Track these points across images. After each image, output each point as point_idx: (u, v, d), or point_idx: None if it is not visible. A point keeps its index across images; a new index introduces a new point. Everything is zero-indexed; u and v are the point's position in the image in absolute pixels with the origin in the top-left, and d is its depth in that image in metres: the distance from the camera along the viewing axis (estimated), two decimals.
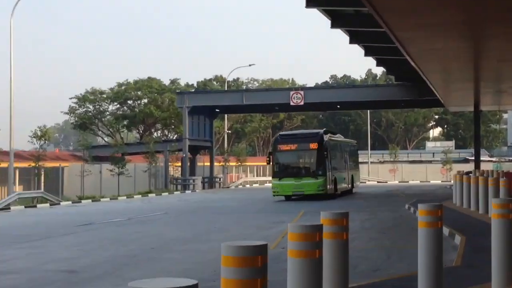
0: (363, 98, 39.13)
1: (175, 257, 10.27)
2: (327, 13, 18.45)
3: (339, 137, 32.79)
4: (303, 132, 31.85)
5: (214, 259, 9.26)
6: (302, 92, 37.20)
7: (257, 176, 53.81)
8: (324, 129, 30.63)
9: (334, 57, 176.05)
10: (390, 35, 14.72)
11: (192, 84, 67.65)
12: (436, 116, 77.76)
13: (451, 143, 65.52)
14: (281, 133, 31.26)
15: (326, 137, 27.41)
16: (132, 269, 9.20)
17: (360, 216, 17.50)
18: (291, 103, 36.63)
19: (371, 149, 60.43)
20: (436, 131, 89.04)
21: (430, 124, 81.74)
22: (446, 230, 12.34)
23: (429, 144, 74.39)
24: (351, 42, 21.52)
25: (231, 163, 47.79)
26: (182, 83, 64.30)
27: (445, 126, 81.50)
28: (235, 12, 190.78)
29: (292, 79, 77.17)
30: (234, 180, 48.06)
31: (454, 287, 6.68)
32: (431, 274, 5.42)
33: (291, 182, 26.02)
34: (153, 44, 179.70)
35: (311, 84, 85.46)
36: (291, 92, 37.38)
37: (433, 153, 61.53)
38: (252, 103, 40.11)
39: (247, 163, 50.21)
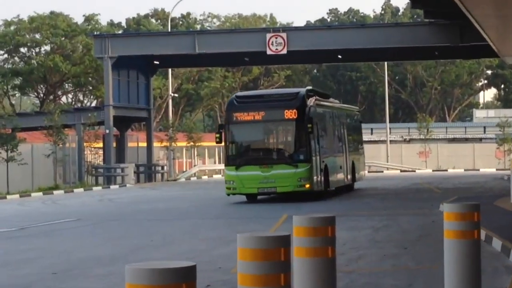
0: (378, 44, 32.90)
1: (90, 287, 9.40)
2: None
3: (332, 102, 26.22)
4: (274, 92, 25.43)
5: None
6: (284, 35, 31.77)
7: (218, 162, 44.86)
8: (308, 87, 24.40)
9: None
10: None
11: (119, 23, 58.11)
12: (489, 72, 63.75)
13: (510, 112, 52.18)
14: (238, 93, 24.61)
15: (310, 101, 20.78)
16: None
17: (372, 223, 15.73)
18: (269, 52, 31.51)
19: (390, 122, 49.32)
20: (488, 94, 73.53)
21: (480, 84, 66.75)
22: (497, 243, 11.11)
23: (478, 114, 60.53)
24: None
25: (179, 143, 40.52)
26: (103, 21, 55.68)
27: (502, 86, 67.22)
28: None
29: (271, 15, 64.63)
30: (184, 169, 41.87)
31: None
32: None
33: (256, 173, 19.86)
34: None
35: (299, 23, 72.51)
36: (268, 35, 31.89)
37: (484, 127, 51.15)
38: (210, 52, 33.84)
39: (204, 143, 41.85)
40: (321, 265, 3.94)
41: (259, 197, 21.45)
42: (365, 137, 42.66)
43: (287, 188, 19.83)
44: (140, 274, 2.18)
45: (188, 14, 58.60)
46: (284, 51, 31.76)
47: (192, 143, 40.33)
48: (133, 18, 59.17)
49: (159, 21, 57.67)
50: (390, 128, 47.54)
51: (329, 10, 70.95)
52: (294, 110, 19.89)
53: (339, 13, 69.29)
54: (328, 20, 67.86)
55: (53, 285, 8.92)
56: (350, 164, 25.22)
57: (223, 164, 25.11)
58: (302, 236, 4.03)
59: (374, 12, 68.58)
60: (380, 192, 26.77)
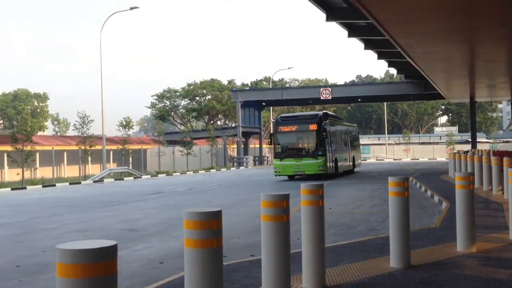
0: (379, 92, 47.32)
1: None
2: (344, 25, 21.07)
3: (340, 121, 32.82)
4: (303, 114, 31.78)
5: (245, 221, 11.08)
6: (330, 89, 45.71)
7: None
8: (324, 111, 30.86)
9: (359, 60, 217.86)
10: (392, 41, 16.77)
11: (247, 84, 79.98)
12: (443, 106, 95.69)
13: (454, 128, 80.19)
14: (281, 115, 29.88)
15: (325, 119, 26.78)
16: (178, 229, 10.26)
17: (372, 187, 20.27)
18: (321, 98, 44.95)
19: (389, 133, 78.04)
20: (443, 119, 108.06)
21: (438, 113, 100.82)
22: (436, 198, 14.22)
23: (437, 129, 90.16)
24: (365, 48, 24.28)
25: None
26: (238, 83, 77.19)
27: (450, 114, 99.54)
28: (282, 24, 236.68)
29: (326, 79, 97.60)
30: None
31: (427, 245, 7.55)
32: (400, 235, 6.19)
33: (292, 163, 25.98)
34: (216, 51, 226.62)
35: (341, 82, 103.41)
36: (321, 89, 46.15)
37: (440, 136, 74.21)
38: (291, 98, 49.21)
39: None
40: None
41: (295, 177, 26.81)
42: (374, 141, 75.55)
43: (311, 171, 25.75)
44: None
45: (282, 78, 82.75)
46: (330, 97, 45.05)
47: None
48: (254, 81, 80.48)
49: (267, 82, 76.36)
50: (388, 137, 72.27)
51: (356, 75, 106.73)
52: (315, 125, 26.27)
53: (361, 76, 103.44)
54: (356, 80, 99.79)
55: None
56: (351, 157, 32.27)
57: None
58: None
59: (380, 76, 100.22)
60: (380, 170, 34.78)
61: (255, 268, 6.33)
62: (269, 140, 27.55)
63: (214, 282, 3.42)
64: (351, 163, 32.05)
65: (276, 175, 26.49)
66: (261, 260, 4.87)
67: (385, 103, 75.49)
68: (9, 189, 26.25)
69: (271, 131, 28.48)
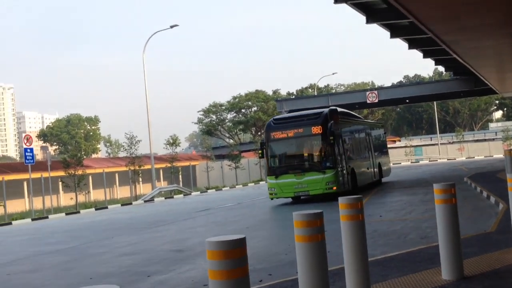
0: (428, 92, 45.78)
1: (263, 234, 11.85)
2: (385, 26, 20.80)
3: (356, 119, 26.74)
4: (303, 114, 22.28)
5: (290, 235, 10.10)
6: (376, 92, 44.66)
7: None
8: (332, 107, 22.91)
9: (405, 60, 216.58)
10: (436, 39, 16.40)
11: (292, 92, 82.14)
12: (497, 101, 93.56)
13: (510, 123, 75.47)
14: (274, 117, 23.24)
15: (333, 118, 20.42)
16: None
17: (423, 190, 19.50)
18: (368, 101, 44.15)
19: (441, 133, 75.57)
20: (498, 114, 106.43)
21: (492, 109, 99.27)
22: (493, 199, 13.71)
23: (492, 125, 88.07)
24: (410, 48, 23.98)
25: None
26: (283, 92, 78.60)
27: (505, 109, 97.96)
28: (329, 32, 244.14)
29: (372, 81, 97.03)
30: None
31: (482, 252, 7.19)
32: (451, 246, 5.89)
33: (292, 180, 19.74)
34: (259, 62, 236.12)
35: (388, 83, 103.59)
36: (367, 93, 44.93)
37: (495, 132, 72.16)
38: (336, 103, 46.05)
39: None
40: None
41: (302, 198, 20.99)
42: (426, 142, 73.54)
43: (318, 191, 19.33)
44: None
45: (328, 84, 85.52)
46: (376, 101, 44.05)
47: None
48: (299, 89, 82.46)
49: (312, 89, 77.53)
50: (441, 136, 71.59)
51: (404, 76, 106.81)
52: (319, 126, 19.83)
53: (409, 77, 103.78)
54: (403, 81, 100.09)
55: (245, 234, 11.26)
56: (376, 164, 25.75)
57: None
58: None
59: (428, 75, 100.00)
60: (433, 171, 33.55)
61: None
62: (260, 152, 21.20)
63: None
64: (375, 173, 25.69)
65: (271, 198, 20.24)
66: (298, 281, 4.74)
67: (435, 102, 73.57)
68: (63, 214, 27.09)
69: (263, 139, 21.45)
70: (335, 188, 19.27)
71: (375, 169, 25.72)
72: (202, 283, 7.62)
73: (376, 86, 78.03)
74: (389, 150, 32.62)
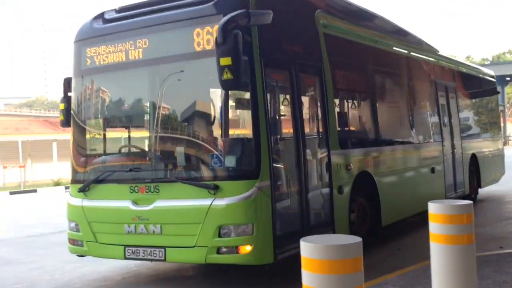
0: None
1: None
2: None
3: (403, 35, 9.82)
4: None
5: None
6: None
7: None
8: None
9: None
10: None
11: (487, 58, 76.91)
12: None
13: None
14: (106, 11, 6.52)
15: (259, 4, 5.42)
16: None
17: None
18: None
19: None
20: None
21: None
22: None
23: None
24: None
25: None
26: (477, 58, 74.67)
27: None
28: None
29: None
30: None
31: None
32: None
33: (124, 206, 5.72)
34: None
35: None
36: None
37: None
38: None
39: None
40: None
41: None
42: None
43: (184, 249, 5.45)
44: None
45: None
46: None
47: None
48: (496, 55, 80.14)
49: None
50: None
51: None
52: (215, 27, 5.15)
53: None
54: None
55: None
56: (467, 161, 11.05)
57: None
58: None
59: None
60: None
61: (506, 263, 5.74)
62: (61, 109, 6.66)
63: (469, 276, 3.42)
64: (462, 180, 10.71)
65: (70, 251, 6.27)
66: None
67: None
68: None
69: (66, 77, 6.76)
70: (248, 248, 5.19)
71: (462, 171, 10.83)
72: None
73: None
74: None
